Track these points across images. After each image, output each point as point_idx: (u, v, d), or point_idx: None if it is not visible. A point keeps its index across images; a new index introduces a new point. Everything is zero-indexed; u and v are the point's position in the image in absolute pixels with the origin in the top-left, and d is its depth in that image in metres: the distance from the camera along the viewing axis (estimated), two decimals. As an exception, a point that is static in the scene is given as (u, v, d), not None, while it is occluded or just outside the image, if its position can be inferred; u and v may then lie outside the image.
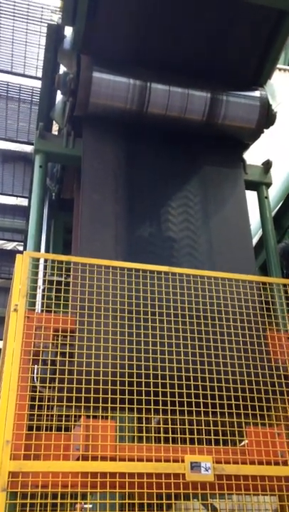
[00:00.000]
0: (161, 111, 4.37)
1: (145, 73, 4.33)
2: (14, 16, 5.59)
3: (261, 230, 4.84)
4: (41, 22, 5.60)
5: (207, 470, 2.66)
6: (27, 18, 5.61)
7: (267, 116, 4.57)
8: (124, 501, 2.59)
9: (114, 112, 4.33)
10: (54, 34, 4.45)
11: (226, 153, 4.70)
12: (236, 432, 2.90)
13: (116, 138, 4.42)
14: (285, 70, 10.01)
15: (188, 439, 2.77)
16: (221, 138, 4.64)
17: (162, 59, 4.36)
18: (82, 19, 4.06)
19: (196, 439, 2.78)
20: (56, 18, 5.52)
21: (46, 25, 4.73)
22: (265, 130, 4.69)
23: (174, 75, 4.40)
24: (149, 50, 4.32)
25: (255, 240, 5.32)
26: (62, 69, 4.52)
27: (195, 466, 2.66)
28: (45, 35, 4.55)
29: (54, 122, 5.01)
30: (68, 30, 4.47)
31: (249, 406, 2.96)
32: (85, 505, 3.09)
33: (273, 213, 5.23)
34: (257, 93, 4.59)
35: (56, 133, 5.12)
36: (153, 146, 4.51)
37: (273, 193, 5.70)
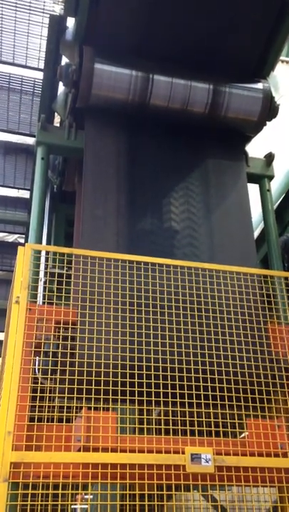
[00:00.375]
0: (164, 103, 4.34)
1: (147, 65, 4.30)
2: (16, 7, 5.55)
3: (263, 222, 4.83)
4: (43, 13, 5.56)
5: (207, 461, 2.68)
6: (29, 9, 5.57)
7: (269, 109, 4.54)
8: (125, 492, 2.61)
9: (116, 103, 4.30)
10: (56, 25, 4.42)
11: (228, 146, 4.68)
12: (237, 424, 2.91)
13: (118, 130, 4.40)
14: (288, 62, 9.94)
15: (188, 431, 2.78)
16: (224, 130, 4.62)
17: (164, 51, 4.34)
18: (85, 10, 4.03)
19: (196, 431, 2.79)
20: (58, 8, 5.48)
21: (48, 16, 4.70)
22: (267, 122, 4.66)
23: (177, 67, 4.38)
24: (152, 42, 4.29)
25: (256, 233, 5.31)
26: (64, 60, 4.50)
27: (195, 458, 2.68)
28: (47, 26, 4.52)
29: (56, 114, 4.99)
30: (70, 21, 4.44)
31: (250, 398, 2.97)
32: (86, 496, 3.11)
33: (275, 206, 5.22)
34: (260, 85, 4.56)
35: (58, 125, 5.10)
36: (155, 138, 4.49)
37: (275, 186, 5.68)
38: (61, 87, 4.71)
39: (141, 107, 4.33)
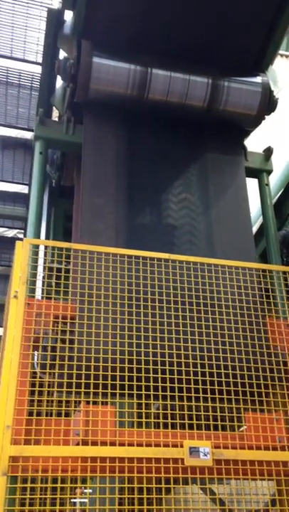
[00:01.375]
0: (162, 97, 4.33)
1: (146, 59, 4.28)
2: (14, 0, 5.52)
3: (262, 217, 4.82)
4: (41, 6, 5.53)
5: (206, 455, 2.69)
6: (27, 2, 5.54)
7: (268, 103, 4.52)
8: (123, 485, 2.62)
9: (115, 97, 4.29)
10: (54, 19, 4.39)
11: (226, 140, 4.67)
12: (235, 418, 2.92)
13: (117, 124, 4.39)
14: (287, 56, 9.89)
15: (187, 425, 2.79)
16: (222, 124, 4.60)
17: (163, 44, 4.31)
18: (83, 3, 4.01)
19: (195, 425, 2.80)
20: (56, 2, 5.45)
21: (46, 9, 4.67)
22: (266, 116, 4.65)
23: (175, 61, 4.36)
24: (150, 36, 4.26)
25: (255, 228, 5.31)
26: (62, 54, 4.47)
27: (194, 451, 2.69)
28: (45, 19, 4.49)
29: (54, 108, 4.97)
30: (69, 15, 4.42)
31: (248, 392, 2.98)
32: (85, 490, 3.13)
33: (274, 200, 5.21)
34: (258, 79, 4.54)
35: (57, 119, 5.08)
36: (154, 132, 4.47)
37: (274, 180, 5.67)
38: (59, 82, 4.69)
39: (139, 101, 4.32)
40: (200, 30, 4.27)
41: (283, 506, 2.78)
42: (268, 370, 3.12)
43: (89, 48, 4.15)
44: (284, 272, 3.72)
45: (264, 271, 3.67)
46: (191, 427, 2.80)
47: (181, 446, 2.73)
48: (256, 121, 4.64)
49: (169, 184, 4.31)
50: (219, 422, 2.84)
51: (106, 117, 4.36)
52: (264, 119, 4.65)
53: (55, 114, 5.23)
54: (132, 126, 4.42)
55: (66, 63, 4.20)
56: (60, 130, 4.43)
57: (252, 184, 4.74)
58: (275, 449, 2.89)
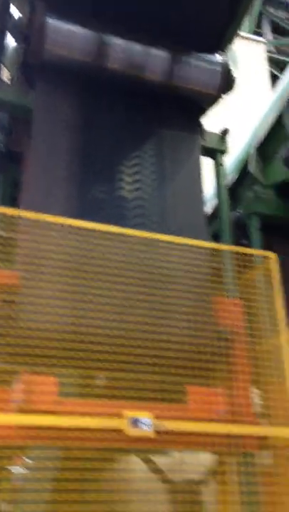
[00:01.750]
0: (120, 67, 4.21)
1: (105, 27, 4.14)
2: None
3: (216, 198, 4.82)
4: None
5: (147, 426, 2.67)
6: None
7: (226, 82, 4.51)
8: (62, 455, 2.56)
9: (69, 63, 4.12)
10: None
11: (183, 117, 4.62)
12: (178, 390, 2.92)
13: (71, 92, 4.22)
14: (248, 38, 9.92)
15: (129, 396, 2.76)
16: (180, 101, 4.55)
17: (124, 15, 4.17)
18: None
19: (137, 396, 2.77)
20: None
21: None
22: (224, 96, 4.63)
23: (136, 31, 4.24)
24: (111, 5, 4.11)
25: (210, 209, 5.31)
26: (15, 11, 4.24)
27: (135, 422, 2.66)
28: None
29: (4, 68, 4.71)
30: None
31: (191, 366, 2.98)
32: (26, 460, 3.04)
33: (230, 183, 5.23)
34: (218, 58, 4.51)
35: (7, 80, 4.82)
36: (111, 104, 4.35)
37: (230, 164, 5.70)
38: (12, 41, 4.44)
39: (96, 69, 4.18)
40: (163, 3, 4.16)
41: (222, 476, 2.81)
42: (211, 346, 3.13)
43: (43, 8, 3.94)
44: (233, 252, 3.73)
45: (214, 250, 3.67)
46: (134, 398, 2.77)
47: (123, 417, 2.69)
48: (214, 99, 4.62)
49: (124, 157, 4.21)
50: (162, 395, 2.82)
51: (60, 83, 4.18)
52: (221, 97, 4.63)
53: (6, 75, 4.96)
54: (88, 95, 4.27)
55: (19, 22, 3.98)
56: (10, 92, 4.22)
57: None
58: (216, 421, 2.91)
